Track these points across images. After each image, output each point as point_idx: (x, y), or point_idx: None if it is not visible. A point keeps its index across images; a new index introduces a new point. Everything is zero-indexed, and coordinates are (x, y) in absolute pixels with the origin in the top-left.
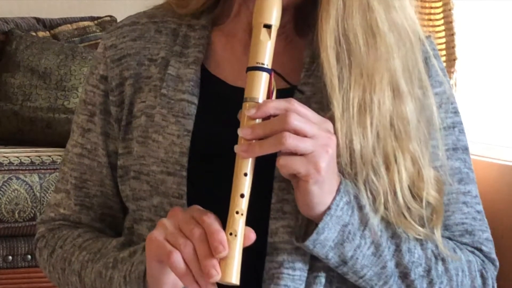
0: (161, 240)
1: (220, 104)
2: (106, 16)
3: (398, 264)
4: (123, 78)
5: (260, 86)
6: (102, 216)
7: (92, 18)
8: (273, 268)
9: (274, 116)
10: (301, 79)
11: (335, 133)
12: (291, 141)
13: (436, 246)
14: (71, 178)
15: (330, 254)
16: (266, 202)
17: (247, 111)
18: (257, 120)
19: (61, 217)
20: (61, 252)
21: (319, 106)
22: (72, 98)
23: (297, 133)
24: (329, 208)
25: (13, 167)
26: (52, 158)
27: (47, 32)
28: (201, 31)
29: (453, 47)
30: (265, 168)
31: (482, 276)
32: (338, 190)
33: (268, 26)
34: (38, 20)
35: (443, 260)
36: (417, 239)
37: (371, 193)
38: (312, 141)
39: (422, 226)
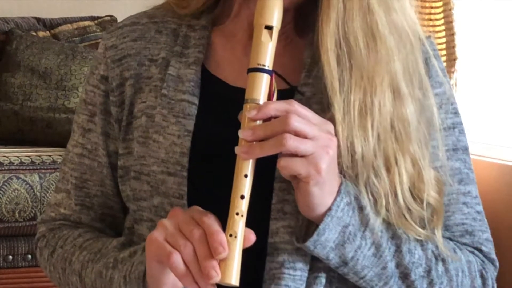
0: (161, 241)
1: (221, 104)
2: (106, 16)
3: (398, 265)
4: (124, 78)
5: (261, 87)
6: (103, 216)
7: (92, 18)
8: (274, 268)
9: (275, 117)
10: (302, 79)
11: (336, 135)
12: (292, 143)
13: (437, 247)
14: (71, 178)
15: (330, 255)
16: (267, 202)
17: (248, 112)
18: (258, 122)
19: (62, 217)
20: (61, 252)
21: (319, 107)
22: (72, 98)
23: (297, 134)
24: (329, 209)
25: (13, 167)
26: (52, 158)
27: (47, 32)
28: (201, 31)
29: (454, 47)
30: (266, 168)
31: (482, 276)
32: (338, 191)
33: (269, 28)
34: (38, 20)
35: (443, 260)
36: (417, 240)
37: (372, 195)
38: (313, 143)
39: (423, 227)
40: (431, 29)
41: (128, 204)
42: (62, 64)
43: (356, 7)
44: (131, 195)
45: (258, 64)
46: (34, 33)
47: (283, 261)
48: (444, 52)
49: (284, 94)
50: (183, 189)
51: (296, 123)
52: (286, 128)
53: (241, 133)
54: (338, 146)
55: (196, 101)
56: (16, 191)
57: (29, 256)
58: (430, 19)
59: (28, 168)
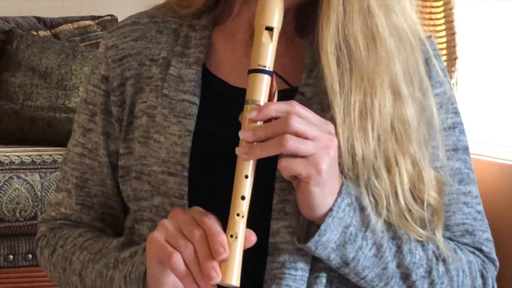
0: (161, 242)
1: (221, 104)
2: (107, 16)
3: (399, 265)
4: (124, 78)
5: (262, 88)
6: (103, 215)
7: (93, 17)
8: (275, 268)
9: (276, 118)
10: (303, 80)
11: (337, 137)
12: (292, 143)
13: (437, 247)
14: (72, 177)
15: (332, 255)
16: (268, 202)
17: (249, 113)
18: (259, 123)
19: (62, 216)
20: (62, 251)
21: (320, 107)
22: (73, 97)
23: (298, 135)
24: (330, 209)
25: (14, 166)
26: (53, 157)
27: (48, 31)
28: (202, 31)
29: (454, 46)
30: (267, 168)
31: (482, 276)
32: (339, 192)
33: (270, 29)
34: (39, 19)
35: (444, 260)
36: (418, 240)
37: (373, 197)
38: (313, 143)
39: (423, 227)
40: (431, 28)
41: (128, 204)
42: (62, 63)
43: (356, 9)
44: (132, 195)
45: (258, 65)
46: (34, 33)
47: (284, 261)
48: (444, 52)
49: (285, 95)
50: (183, 189)
51: (296, 123)
52: (287, 129)
53: (241, 134)
54: (339, 147)
55: (197, 101)
56: (17, 190)
57: (30, 256)
58: (431, 19)
59: (28, 167)
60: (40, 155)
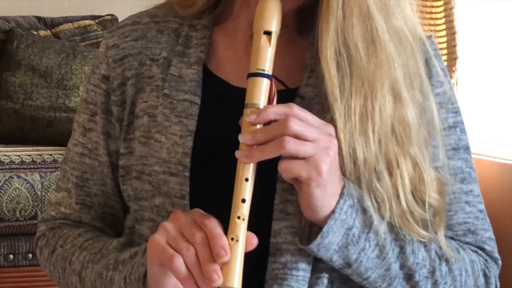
0: (163, 244)
1: (222, 104)
2: (107, 15)
3: (402, 266)
4: (125, 78)
5: (261, 92)
6: (103, 215)
7: (93, 17)
8: (277, 268)
9: (275, 121)
10: (303, 80)
11: (338, 142)
12: (292, 145)
13: (440, 247)
14: (72, 177)
15: (334, 257)
16: (269, 203)
17: (248, 117)
18: (258, 126)
19: (62, 215)
20: (61, 251)
21: (320, 108)
22: (73, 97)
23: (297, 137)
24: (333, 211)
25: (14, 166)
26: (53, 157)
27: (48, 31)
28: (203, 31)
29: (454, 46)
30: (268, 169)
31: (485, 275)
32: (341, 193)
33: (268, 33)
34: (39, 18)
35: (446, 260)
36: (420, 241)
37: (376, 199)
38: (313, 145)
39: (426, 229)
40: (432, 28)
41: (129, 204)
42: (63, 63)
43: (356, 13)
44: (133, 194)
45: (257, 69)
46: (35, 32)
47: (285, 262)
48: (445, 51)
49: (285, 96)
50: (185, 189)
51: (295, 126)
52: (286, 131)
53: (241, 138)
54: (340, 151)
55: (198, 101)
56: (17, 190)
57: (30, 255)
58: (431, 18)
59: (29, 167)
60: (40, 155)
